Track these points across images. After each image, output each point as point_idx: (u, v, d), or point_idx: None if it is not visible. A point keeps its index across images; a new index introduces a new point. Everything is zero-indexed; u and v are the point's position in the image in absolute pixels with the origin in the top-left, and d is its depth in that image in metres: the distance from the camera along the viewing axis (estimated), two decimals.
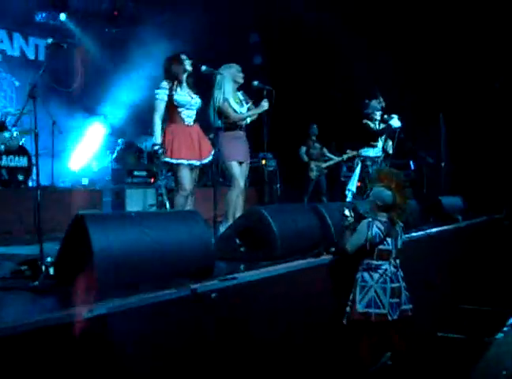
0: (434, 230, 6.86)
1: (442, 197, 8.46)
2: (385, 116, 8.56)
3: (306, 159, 10.94)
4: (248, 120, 6.38)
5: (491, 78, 12.09)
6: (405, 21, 11.76)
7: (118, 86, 10.90)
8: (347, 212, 4.57)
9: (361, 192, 8.64)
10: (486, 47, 11.60)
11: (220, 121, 6.24)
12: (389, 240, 4.44)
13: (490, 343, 5.98)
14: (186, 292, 3.11)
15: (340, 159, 11.25)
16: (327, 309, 4.57)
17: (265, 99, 6.23)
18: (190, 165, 5.74)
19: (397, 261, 4.51)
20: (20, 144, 8.04)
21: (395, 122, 8.42)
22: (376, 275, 4.38)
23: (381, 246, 4.41)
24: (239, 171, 6.22)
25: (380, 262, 4.41)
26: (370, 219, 4.47)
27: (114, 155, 10.20)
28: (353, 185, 8.85)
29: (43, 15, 11.57)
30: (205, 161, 5.95)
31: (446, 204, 8.36)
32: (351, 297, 4.44)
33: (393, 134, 8.59)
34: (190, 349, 3.12)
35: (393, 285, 4.40)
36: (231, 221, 5.98)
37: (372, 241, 4.38)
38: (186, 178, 5.75)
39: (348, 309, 4.45)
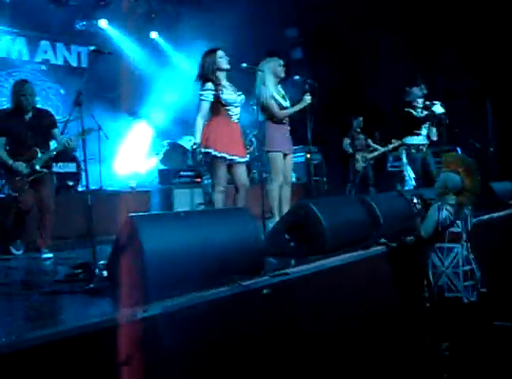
0: (486, 216, 6.71)
1: (493, 182, 8.27)
2: (428, 103, 8.45)
3: (351, 150, 10.85)
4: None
5: None
6: (448, 6, 11.55)
7: (159, 88, 11.01)
8: (415, 200, 4.78)
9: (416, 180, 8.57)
10: None
11: (263, 117, 6.24)
12: (459, 222, 4.48)
13: None
14: (239, 289, 3.12)
15: (385, 149, 11.12)
16: (380, 301, 4.53)
17: (307, 93, 6.21)
18: (223, 158, 5.61)
19: (468, 244, 4.52)
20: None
21: (438, 109, 8.30)
22: (447, 260, 4.43)
23: (451, 229, 4.46)
24: (281, 163, 6.20)
25: (452, 245, 4.46)
26: (439, 203, 4.52)
27: (161, 157, 10.29)
28: (407, 173, 8.78)
29: (84, 23, 11.75)
30: (247, 159, 5.92)
31: (497, 190, 8.18)
32: (425, 282, 4.52)
33: (436, 121, 8.47)
34: (244, 346, 3.14)
35: (465, 268, 4.42)
36: (277, 216, 5.98)
37: (443, 223, 4.44)
38: (223, 173, 5.67)
39: (426, 294, 4.53)
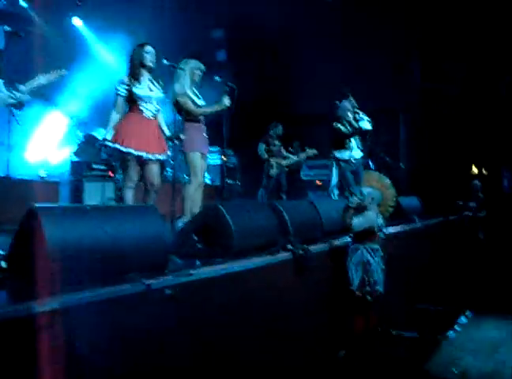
0: (391, 229, 6.94)
1: (400, 197, 8.58)
2: (357, 116, 8.60)
3: (265, 156, 10.91)
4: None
5: (451, 82, 12.32)
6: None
7: (78, 77, 10.74)
8: (359, 197, 5.37)
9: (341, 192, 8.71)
10: (446, 52, 11.81)
11: (182, 117, 6.22)
12: (384, 229, 5.50)
13: (442, 340, 6.11)
14: (141, 287, 3.10)
15: (299, 157, 11.27)
16: (284, 306, 4.60)
17: (227, 96, 6.23)
18: (129, 154, 5.55)
19: None
20: None
21: (364, 125, 8.47)
22: (377, 258, 5.29)
23: (380, 234, 5.40)
24: (200, 164, 6.20)
25: (377, 247, 5.34)
26: (375, 210, 5.39)
27: (75, 149, 10.05)
28: (335, 184, 8.93)
29: (3, 1, 11.32)
30: (160, 157, 5.83)
31: (403, 205, 8.48)
32: (357, 281, 5.27)
33: (363, 136, 8.65)
34: (143, 344, 3.11)
35: (383, 266, 5.33)
36: (189, 216, 5.96)
37: (377, 228, 5.33)
38: (133, 169, 5.60)
39: (358, 292, 5.27)
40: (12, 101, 4.45)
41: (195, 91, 6.37)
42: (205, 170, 6.48)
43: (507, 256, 8.96)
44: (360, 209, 5.40)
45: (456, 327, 6.67)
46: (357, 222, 5.31)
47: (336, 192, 8.82)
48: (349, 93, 8.90)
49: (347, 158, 8.63)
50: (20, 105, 4.51)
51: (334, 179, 8.90)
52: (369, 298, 5.27)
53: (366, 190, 5.48)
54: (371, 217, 5.34)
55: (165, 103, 6.07)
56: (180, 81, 6.20)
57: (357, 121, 8.53)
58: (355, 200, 5.35)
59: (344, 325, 5.43)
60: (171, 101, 6.17)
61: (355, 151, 8.64)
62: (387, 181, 5.59)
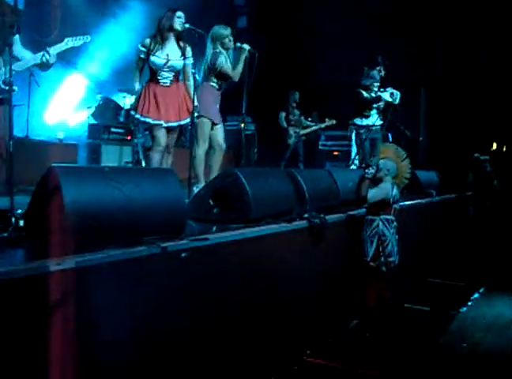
0: (407, 202, 6.91)
1: (418, 171, 8.52)
2: (391, 90, 8.56)
3: (285, 124, 10.90)
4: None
5: (475, 54, 12.12)
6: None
7: (98, 39, 10.67)
8: (374, 168, 5.37)
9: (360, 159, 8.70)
10: (471, 22, 11.60)
11: (208, 79, 6.24)
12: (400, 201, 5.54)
13: (454, 315, 6.10)
14: (157, 250, 3.11)
15: (318, 126, 11.25)
16: (299, 275, 4.61)
17: (244, 43, 6.21)
18: (146, 123, 5.71)
19: None
20: None
21: (385, 96, 8.44)
22: (392, 229, 5.30)
23: (395, 206, 5.40)
24: (208, 129, 6.20)
25: (393, 217, 5.35)
26: (392, 182, 5.40)
27: (92, 111, 10.04)
28: (354, 152, 8.92)
29: None
30: (182, 122, 5.86)
31: (421, 178, 8.42)
32: (372, 252, 5.30)
33: (387, 108, 8.62)
34: (159, 308, 3.13)
35: (396, 236, 5.36)
36: (203, 181, 5.98)
37: (392, 199, 5.33)
38: (159, 135, 5.74)
39: (372, 263, 5.30)
40: (36, 62, 4.43)
41: (227, 56, 6.34)
42: (222, 136, 6.45)
43: None
44: (376, 181, 5.38)
45: (469, 302, 6.65)
46: (372, 193, 5.31)
47: (356, 163, 8.83)
48: (381, 61, 8.82)
49: (365, 124, 8.62)
50: (45, 67, 4.50)
51: (354, 149, 8.90)
52: (384, 268, 5.28)
53: (382, 162, 5.47)
54: (386, 189, 5.33)
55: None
56: (217, 49, 6.25)
57: (391, 94, 8.49)
58: (371, 171, 5.32)
59: (357, 296, 5.44)
60: (202, 65, 6.17)
61: (374, 119, 8.62)
62: (403, 153, 5.57)
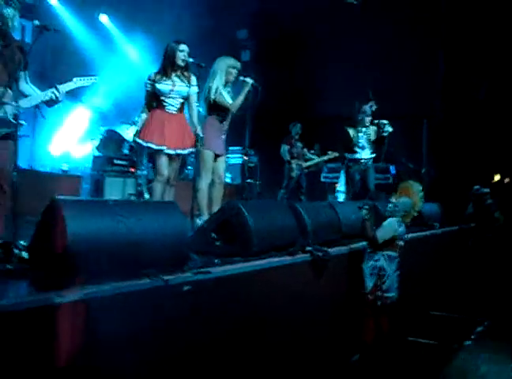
0: (410, 235, 6.90)
1: None
2: (377, 121, 8.68)
3: (288, 157, 10.96)
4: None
5: (475, 87, 12.22)
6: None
7: (103, 73, 10.81)
8: (366, 206, 5.41)
9: (349, 193, 8.75)
10: (470, 56, 11.72)
11: (209, 113, 6.28)
12: (404, 236, 5.52)
13: (458, 349, 6.05)
14: (159, 283, 3.11)
15: (320, 159, 11.31)
16: (301, 307, 4.60)
17: (248, 77, 6.25)
18: (149, 148, 5.73)
19: None
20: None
21: (389, 128, 8.55)
22: (393, 266, 5.31)
23: (400, 242, 5.39)
24: (210, 162, 6.21)
25: (396, 254, 5.36)
26: (398, 219, 5.44)
27: (97, 144, 10.12)
28: (342, 186, 8.99)
29: None
30: (184, 151, 5.89)
31: (424, 211, 8.41)
32: (370, 285, 5.32)
33: (381, 140, 8.72)
34: (161, 339, 3.13)
35: (398, 272, 5.37)
36: (206, 213, 5.98)
37: (398, 236, 5.37)
38: (161, 163, 5.74)
39: (369, 296, 5.31)
40: (45, 98, 4.49)
41: (228, 89, 6.37)
42: (223, 169, 6.48)
43: None
44: (377, 219, 5.46)
45: (472, 336, 6.61)
46: (381, 233, 5.29)
47: (341, 195, 8.92)
48: (372, 97, 8.94)
49: (354, 158, 8.73)
50: (53, 103, 4.57)
51: (341, 180, 9.01)
52: (379, 302, 5.26)
53: (401, 200, 5.56)
54: (393, 226, 5.36)
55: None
56: (215, 79, 6.24)
57: (380, 128, 8.59)
58: (364, 212, 5.36)
59: (358, 329, 5.41)
60: (201, 98, 6.22)
61: (364, 152, 8.72)
62: (420, 188, 5.67)
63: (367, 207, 5.39)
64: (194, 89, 5.93)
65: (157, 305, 3.11)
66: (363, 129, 8.80)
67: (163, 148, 5.70)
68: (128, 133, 10.06)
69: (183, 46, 5.85)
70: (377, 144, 8.81)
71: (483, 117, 11.91)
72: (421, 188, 5.74)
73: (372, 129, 8.81)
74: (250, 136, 6.15)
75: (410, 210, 5.54)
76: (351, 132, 8.82)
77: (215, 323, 3.55)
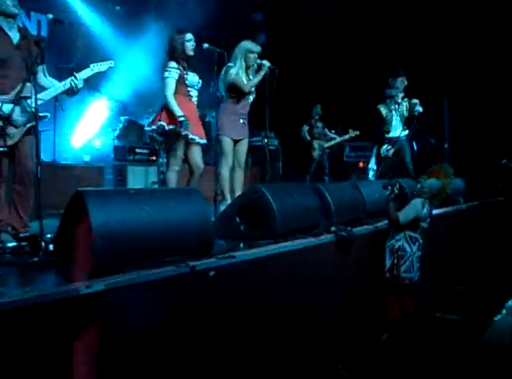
0: (435, 211, 6.85)
1: None
2: (407, 100, 8.58)
3: (308, 138, 10.91)
4: (252, 95, 6.36)
5: (496, 61, 12.03)
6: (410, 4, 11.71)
7: (120, 63, 10.83)
8: (390, 187, 5.38)
9: (380, 171, 8.67)
10: (491, 30, 11.53)
11: (225, 96, 6.26)
12: (428, 219, 5.44)
13: (488, 324, 6.00)
14: (185, 269, 3.13)
15: (342, 138, 11.22)
16: (327, 288, 4.60)
17: (264, 60, 6.22)
18: (186, 136, 5.69)
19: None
20: None
21: (420, 109, 8.45)
22: (414, 247, 5.30)
23: (423, 224, 5.36)
24: (229, 147, 6.21)
25: (418, 235, 5.34)
26: (423, 199, 5.39)
27: (117, 133, 10.17)
28: (373, 164, 8.90)
29: None
30: (201, 141, 5.91)
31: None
32: (389, 264, 5.32)
33: (412, 118, 8.62)
34: (188, 326, 3.15)
35: (419, 253, 5.34)
36: (228, 198, 5.99)
37: (422, 218, 5.32)
38: (179, 152, 5.74)
39: (387, 274, 5.31)
40: (66, 88, 4.54)
41: (248, 73, 6.34)
42: (244, 154, 6.47)
43: None
44: (402, 198, 5.41)
45: (502, 310, 6.54)
46: (404, 215, 5.26)
47: (371, 173, 8.81)
48: (402, 71, 8.82)
49: (388, 137, 8.61)
50: (73, 92, 4.61)
51: (372, 161, 8.89)
52: (395, 281, 5.26)
53: (429, 182, 5.50)
54: (417, 207, 5.32)
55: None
56: (233, 62, 6.23)
57: (412, 107, 8.48)
58: (389, 189, 5.36)
59: (384, 308, 5.41)
60: (221, 82, 6.20)
61: (397, 130, 8.60)
62: (451, 171, 5.60)
63: (390, 187, 5.36)
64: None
65: (184, 292, 3.13)
66: (396, 107, 8.70)
67: (196, 137, 5.76)
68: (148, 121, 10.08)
69: (189, 35, 5.83)
70: (408, 121, 8.70)
71: (505, 89, 11.73)
72: (452, 171, 5.66)
73: (404, 106, 8.68)
74: (270, 119, 6.10)
75: (439, 192, 5.50)
76: (383, 111, 8.72)
77: (242, 307, 3.56)
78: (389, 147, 8.52)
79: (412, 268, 5.26)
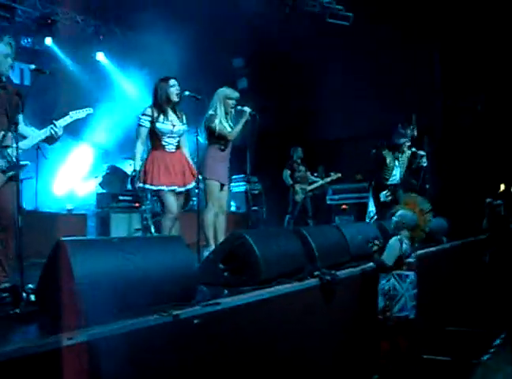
0: (419, 251, 6.86)
1: None
2: (414, 150, 8.59)
3: (290, 181, 10.96)
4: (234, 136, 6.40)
5: (474, 100, 12.26)
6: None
7: (102, 110, 10.90)
8: (376, 242, 5.42)
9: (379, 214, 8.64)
10: (467, 69, 11.78)
11: (206, 144, 6.30)
12: (413, 254, 5.39)
13: (477, 364, 5.98)
14: (169, 318, 3.10)
15: (324, 181, 11.30)
16: (313, 333, 4.56)
17: (245, 106, 6.28)
18: (161, 190, 5.72)
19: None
20: None
21: (424, 162, 8.50)
22: (405, 285, 5.22)
23: (409, 259, 5.30)
24: (217, 192, 6.23)
25: (408, 272, 5.27)
26: (399, 237, 5.33)
27: (100, 180, 10.16)
28: (372, 206, 8.90)
29: (29, 40, 11.60)
30: (189, 186, 5.92)
31: (431, 226, 8.37)
32: (381, 306, 5.24)
33: (418, 171, 8.66)
34: (175, 375, 3.10)
35: (414, 291, 5.28)
36: (212, 244, 5.98)
37: (404, 254, 5.24)
38: (171, 202, 5.75)
39: (380, 316, 5.23)
40: (45, 135, 4.54)
41: (227, 119, 6.40)
42: (227, 199, 6.50)
43: None
44: (386, 237, 5.48)
45: (490, 349, 6.52)
46: (386, 257, 5.24)
47: (372, 215, 8.79)
48: (414, 120, 8.86)
49: (386, 183, 8.53)
50: (53, 140, 4.61)
51: (371, 203, 8.89)
52: (389, 323, 5.20)
53: (400, 213, 5.46)
54: (395, 246, 5.27)
55: (189, 134, 6.14)
56: (213, 109, 6.30)
57: (413, 155, 8.51)
58: (375, 246, 5.38)
59: (374, 350, 5.36)
60: (200, 128, 6.25)
61: (396, 178, 8.58)
62: (427, 206, 5.56)
63: (377, 243, 5.39)
64: (186, 127, 6.01)
65: (168, 341, 3.09)
66: (400, 156, 8.61)
67: (175, 188, 5.75)
68: (131, 168, 10.10)
69: (173, 81, 5.89)
70: (411, 173, 8.70)
71: (483, 128, 11.92)
72: (430, 207, 5.61)
73: (406, 156, 8.66)
74: (251, 163, 6.14)
75: (414, 223, 5.42)
76: (388, 158, 8.55)
77: (227, 355, 3.52)
78: (389, 193, 8.47)
79: (406, 307, 5.20)
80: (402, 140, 8.63)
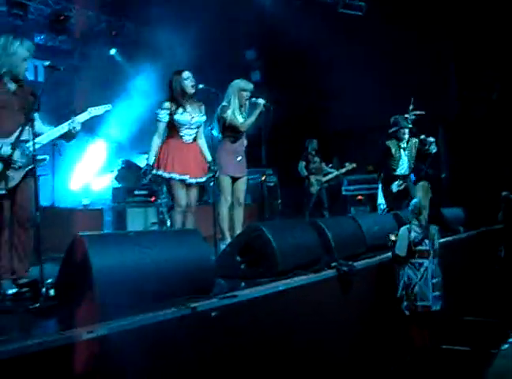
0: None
1: (443, 208, 8.44)
2: (423, 137, 8.48)
3: (305, 173, 10.93)
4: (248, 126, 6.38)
5: (489, 89, 12.15)
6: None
7: (116, 106, 10.93)
8: (392, 237, 5.44)
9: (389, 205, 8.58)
10: (482, 58, 11.68)
11: (221, 135, 6.29)
12: (427, 241, 5.33)
13: (495, 354, 5.94)
14: (187, 311, 3.11)
15: (339, 172, 11.27)
16: (330, 325, 4.56)
17: (259, 98, 6.26)
18: (182, 181, 5.71)
19: (436, 260, 5.38)
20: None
21: (433, 148, 8.40)
22: (419, 273, 5.23)
23: (420, 247, 5.28)
24: (228, 185, 6.22)
25: (421, 260, 5.27)
26: (408, 225, 5.39)
27: (116, 175, 10.20)
28: (382, 199, 8.86)
29: (42, 36, 11.64)
30: (201, 179, 5.90)
31: (447, 216, 8.35)
32: (399, 295, 5.28)
33: (425, 157, 8.56)
34: (193, 368, 3.12)
35: (433, 280, 5.25)
36: (229, 237, 5.98)
37: (413, 242, 5.27)
38: (180, 194, 5.72)
39: (404, 303, 5.26)
40: (63, 131, 4.55)
41: (241, 111, 6.39)
42: (243, 191, 6.47)
43: None
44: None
45: (509, 339, 6.48)
46: (399, 248, 5.30)
47: (382, 207, 8.73)
48: (414, 105, 8.78)
49: (394, 174, 8.45)
50: (70, 136, 4.63)
51: (380, 196, 8.83)
52: (406, 312, 5.23)
53: (414, 200, 5.50)
54: (404, 235, 5.32)
55: (205, 126, 6.13)
56: (227, 100, 6.27)
57: (421, 142, 8.42)
58: (389, 243, 5.44)
59: (393, 340, 5.36)
60: (215, 120, 6.24)
61: (403, 169, 8.48)
62: (426, 184, 5.57)
63: (392, 238, 5.42)
64: (204, 118, 5.98)
65: (186, 333, 3.11)
66: (405, 145, 8.48)
67: (186, 177, 5.72)
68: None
69: (187, 74, 5.86)
70: (418, 160, 8.61)
71: (498, 118, 11.82)
72: (425, 184, 5.62)
73: (413, 144, 8.53)
74: (266, 155, 6.14)
75: (417, 207, 5.41)
76: (392, 148, 8.45)
77: (245, 347, 3.53)
78: (401, 182, 8.40)
79: (425, 296, 5.19)
80: (401, 131, 8.45)
